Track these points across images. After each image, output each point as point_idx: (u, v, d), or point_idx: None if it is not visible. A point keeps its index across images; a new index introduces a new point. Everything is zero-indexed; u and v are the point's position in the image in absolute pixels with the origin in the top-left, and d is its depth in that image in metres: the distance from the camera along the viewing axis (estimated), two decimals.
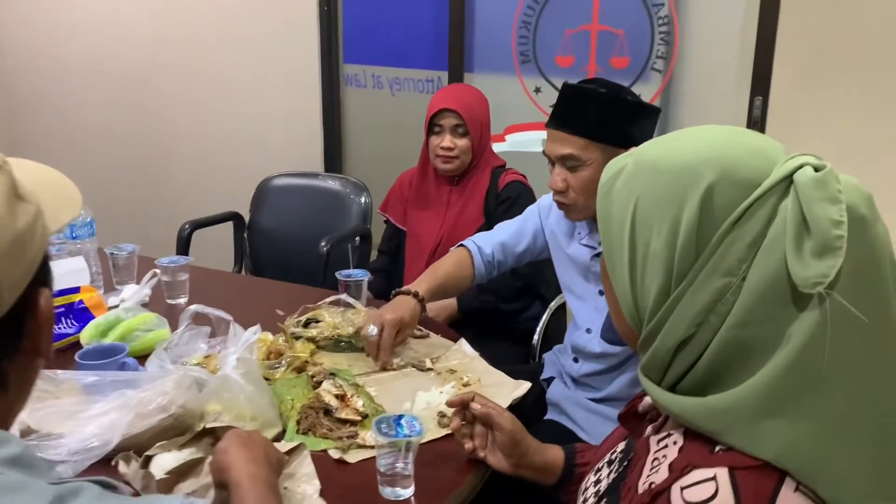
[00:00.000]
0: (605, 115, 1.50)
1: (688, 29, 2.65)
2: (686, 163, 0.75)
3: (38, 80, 4.10)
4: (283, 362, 1.52)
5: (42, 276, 0.66)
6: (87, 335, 1.58)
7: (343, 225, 2.93)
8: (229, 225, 3.20)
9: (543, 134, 2.85)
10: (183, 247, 2.96)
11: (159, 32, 3.66)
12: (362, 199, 2.95)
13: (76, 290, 1.70)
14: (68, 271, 1.78)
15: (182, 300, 1.95)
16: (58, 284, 1.68)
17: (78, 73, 3.97)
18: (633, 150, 0.83)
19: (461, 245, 1.85)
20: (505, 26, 2.90)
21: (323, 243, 2.70)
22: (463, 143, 2.17)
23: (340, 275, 1.81)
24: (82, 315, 1.68)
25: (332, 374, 1.47)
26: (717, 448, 0.71)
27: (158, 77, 3.73)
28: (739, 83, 2.62)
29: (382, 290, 2.34)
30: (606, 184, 0.81)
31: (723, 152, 0.74)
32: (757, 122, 2.60)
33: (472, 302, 2.13)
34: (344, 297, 1.74)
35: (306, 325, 1.68)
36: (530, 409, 1.68)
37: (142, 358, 1.48)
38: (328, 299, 1.75)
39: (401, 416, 1.16)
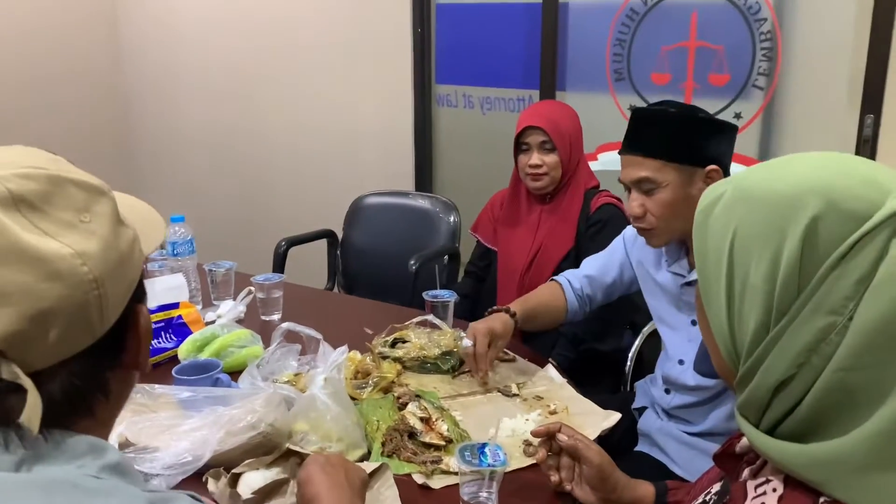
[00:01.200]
0: (676, 134, 1.46)
1: (792, 44, 2.54)
2: (789, 192, 0.70)
3: (150, 97, 4.33)
4: (371, 382, 1.53)
5: (140, 293, 0.71)
6: (184, 350, 1.63)
7: (432, 243, 2.95)
8: (323, 242, 3.28)
9: None
10: (279, 263, 3.05)
11: (260, 55, 3.80)
12: (451, 219, 2.96)
13: (175, 305, 1.77)
14: (168, 287, 1.85)
15: (276, 316, 2.00)
16: (157, 300, 1.77)
17: (185, 92, 4.16)
18: (732, 176, 0.79)
19: (552, 280, 1.82)
20: (599, 44, 2.86)
21: (412, 262, 2.73)
22: (551, 159, 2.14)
23: (427, 295, 1.81)
24: (181, 330, 1.74)
25: (418, 396, 1.46)
26: (822, 500, 0.66)
27: (257, 98, 3.87)
28: (849, 100, 2.48)
29: (468, 316, 2.32)
30: (703, 212, 0.78)
31: (829, 181, 0.70)
32: (868, 140, 2.45)
33: (569, 355, 2.00)
34: (430, 317, 1.74)
35: (393, 345, 1.69)
36: (620, 440, 1.62)
37: (235, 374, 1.52)
38: (415, 320, 1.75)
39: (485, 445, 1.14)
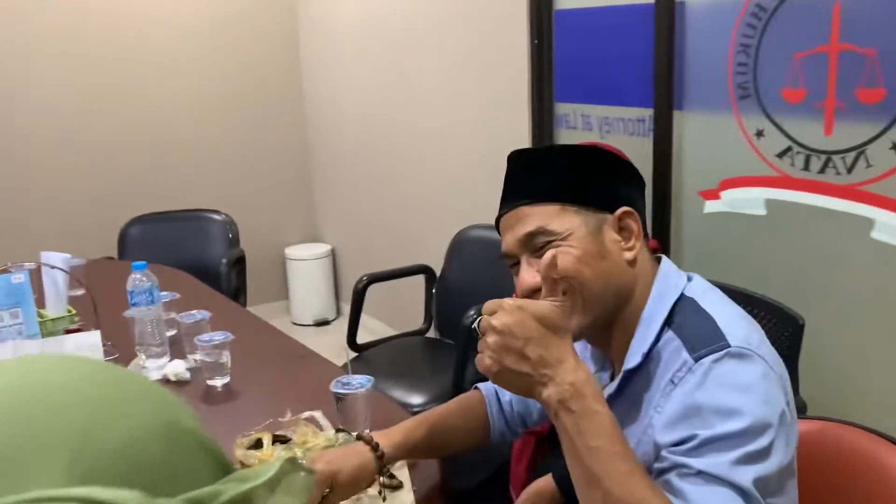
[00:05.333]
0: (572, 169, 1.08)
1: None
2: None
3: (324, 118, 4.40)
4: None
5: None
6: None
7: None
8: (418, 279, 3.04)
9: (769, 192, 2.14)
10: (357, 302, 2.87)
11: (381, 88, 3.64)
12: None
13: None
14: (77, 346, 1.70)
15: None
16: None
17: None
18: None
19: (475, 387, 1.37)
20: (720, 50, 2.22)
21: (471, 313, 2.38)
22: None
23: (335, 384, 1.46)
24: None
25: None
26: None
27: (392, 128, 3.72)
28: None
29: None
30: None
31: None
32: None
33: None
34: (318, 414, 1.40)
35: (255, 446, 1.38)
36: None
37: None
38: (303, 415, 1.43)
39: None
